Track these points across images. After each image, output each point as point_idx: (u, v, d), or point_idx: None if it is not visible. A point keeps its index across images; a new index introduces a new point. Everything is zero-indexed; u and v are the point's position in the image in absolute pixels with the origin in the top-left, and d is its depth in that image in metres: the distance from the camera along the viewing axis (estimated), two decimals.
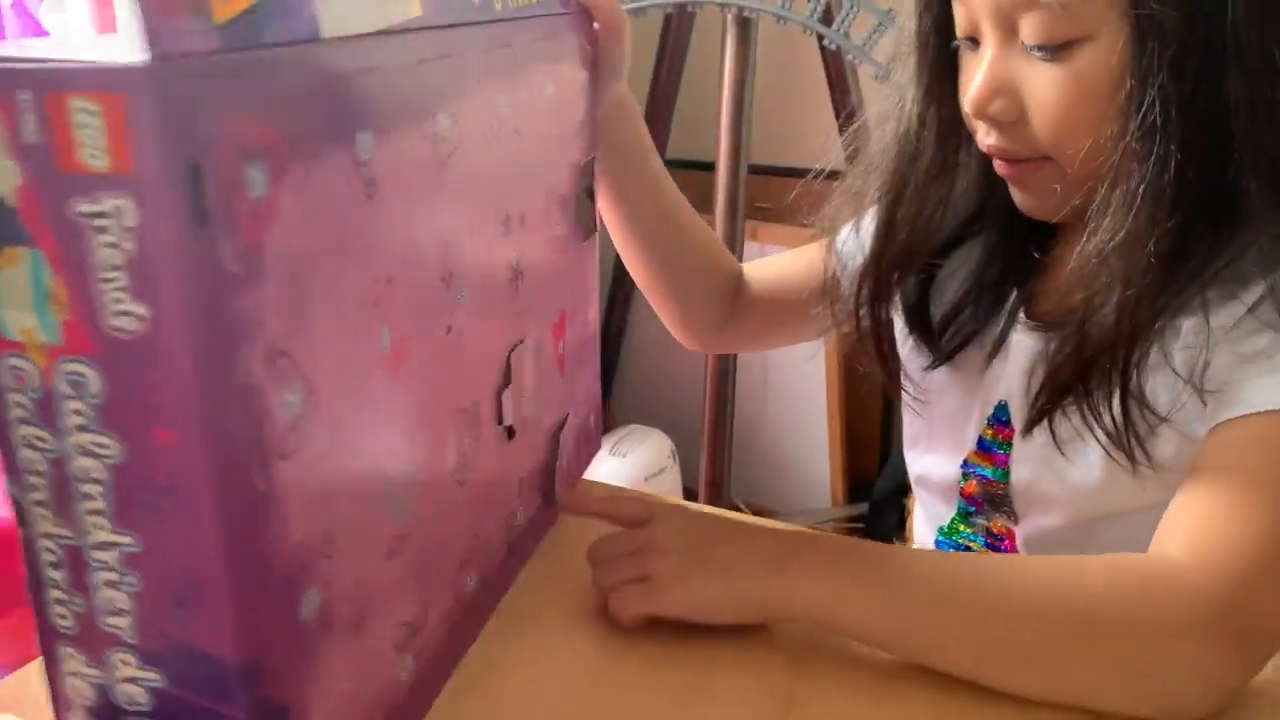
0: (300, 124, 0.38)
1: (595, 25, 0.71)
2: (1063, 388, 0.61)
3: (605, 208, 0.78)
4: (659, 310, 0.86)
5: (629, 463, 1.65)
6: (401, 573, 0.49)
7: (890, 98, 0.70)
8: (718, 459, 1.52)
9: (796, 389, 1.84)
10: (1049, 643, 0.51)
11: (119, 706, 0.39)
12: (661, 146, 1.72)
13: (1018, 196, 0.65)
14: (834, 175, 0.75)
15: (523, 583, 0.65)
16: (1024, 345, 0.68)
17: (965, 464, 0.72)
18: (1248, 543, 0.51)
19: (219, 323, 0.35)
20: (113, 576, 0.37)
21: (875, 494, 1.73)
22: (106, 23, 0.34)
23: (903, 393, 0.75)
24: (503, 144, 0.57)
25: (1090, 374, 0.59)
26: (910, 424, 0.78)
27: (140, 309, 0.33)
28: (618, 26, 0.71)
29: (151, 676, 0.38)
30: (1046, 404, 0.62)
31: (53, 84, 0.31)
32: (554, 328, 0.67)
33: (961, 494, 0.73)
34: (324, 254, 0.40)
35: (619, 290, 1.90)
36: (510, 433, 0.61)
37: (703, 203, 1.42)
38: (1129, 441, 0.58)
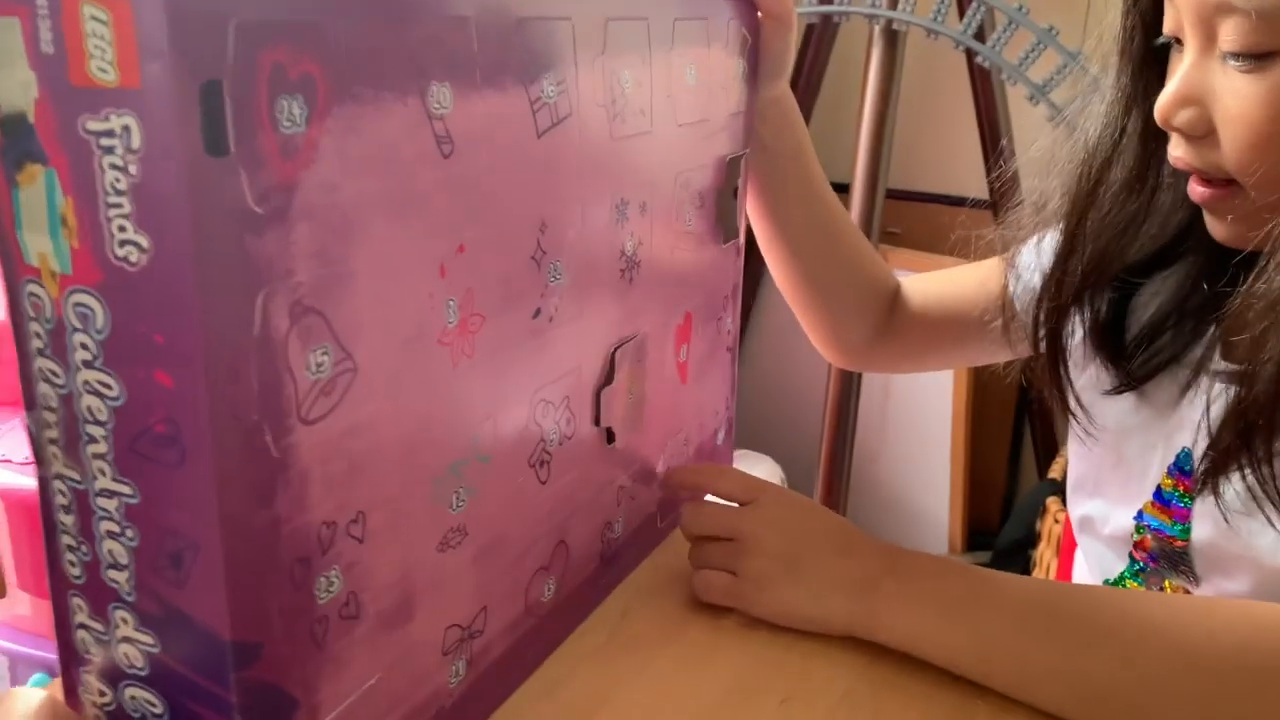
0: (352, 62, 0.35)
1: (759, 16, 0.66)
2: (1232, 444, 0.53)
3: (754, 211, 0.73)
4: (806, 323, 0.80)
5: None
6: (456, 569, 0.45)
7: (1084, 100, 0.64)
8: (833, 493, 1.44)
9: (919, 424, 1.72)
10: (1164, 690, 0.48)
11: (119, 667, 0.37)
12: None
13: (1210, 222, 0.58)
14: (981, 204, 0.69)
15: (618, 600, 0.60)
16: (1214, 388, 0.58)
17: (1140, 515, 0.64)
18: None
19: (231, 264, 0.32)
20: (114, 527, 0.35)
21: (999, 543, 1.61)
22: None
23: (1071, 427, 0.67)
24: (624, 123, 0.52)
25: (1255, 430, 0.51)
26: (1077, 464, 0.69)
27: (143, 239, 0.31)
28: (784, 20, 0.66)
29: (147, 640, 0.36)
30: (1217, 460, 0.54)
31: None
32: (677, 330, 0.62)
33: (1135, 548, 0.64)
34: (376, 208, 0.37)
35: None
36: (610, 435, 0.56)
37: None
38: None
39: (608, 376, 0.55)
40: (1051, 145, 0.67)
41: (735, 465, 1.75)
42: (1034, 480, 1.74)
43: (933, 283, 0.80)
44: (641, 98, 0.54)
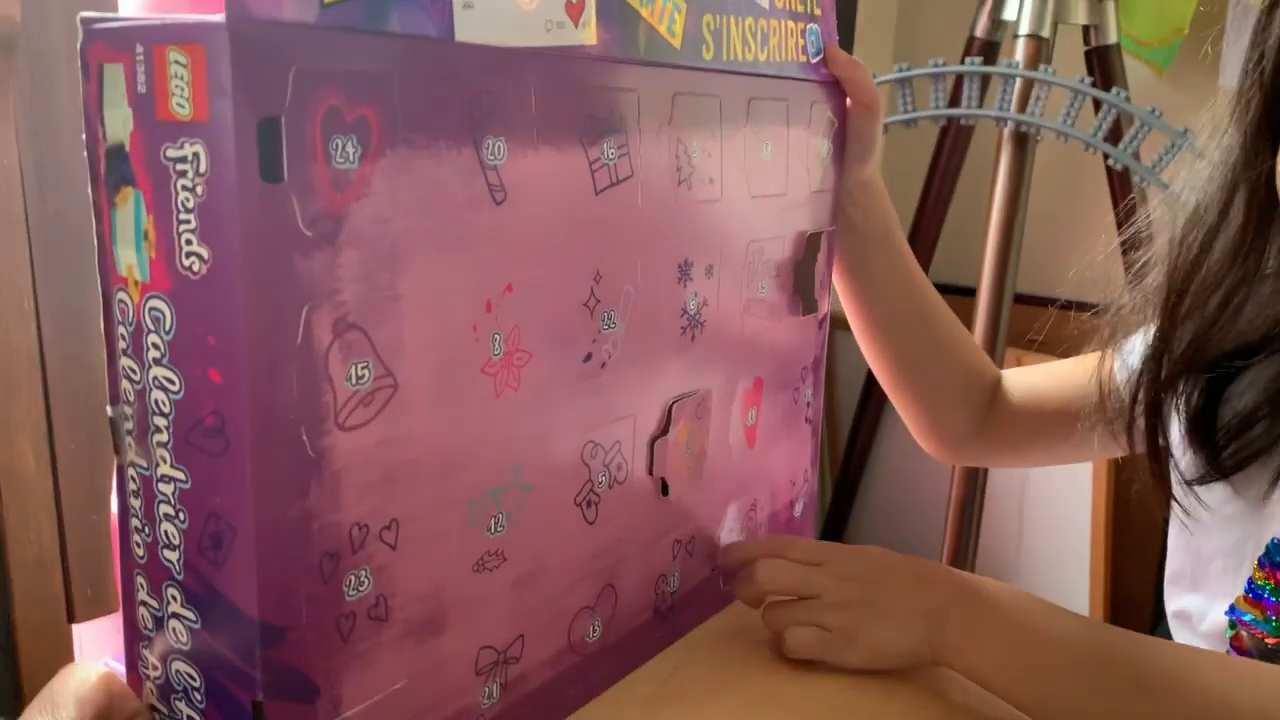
0: (408, 111, 0.40)
1: (848, 101, 0.69)
2: None
3: (843, 292, 0.74)
4: (903, 412, 0.80)
5: None
6: (492, 592, 0.48)
7: (1189, 170, 0.62)
8: None
9: (1056, 529, 1.63)
10: None
11: (168, 642, 0.41)
12: (925, 267, 1.61)
13: None
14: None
15: (672, 655, 0.61)
16: None
17: (1232, 609, 0.61)
18: None
19: (280, 278, 0.36)
20: (170, 510, 0.39)
21: None
22: None
23: (1172, 521, 0.65)
24: (691, 189, 0.56)
25: None
26: (1174, 557, 0.67)
27: (204, 251, 0.36)
28: (871, 105, 0.69)
29: (190, 616, 0.40)
30: None
31: (159, 38, 0.35)
32: (745, 393, 0.64)
33: (1231, 646, 0.61)
34: (425, 243, 0.41)
35: (866, 408, 1.80)
36: (665, 487, 0.58)
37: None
38: None
39: (663, 428, 0.57)
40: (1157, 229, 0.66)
41: None
42: None
43: (1036, 375, 0.79)
44: (710, 167, 0.57)
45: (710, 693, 0.57)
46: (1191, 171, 0.61)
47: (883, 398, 1.76)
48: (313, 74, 0.36)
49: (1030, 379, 0.79)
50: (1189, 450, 0.63)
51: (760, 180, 0.61)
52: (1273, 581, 0.58)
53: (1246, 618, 0.60)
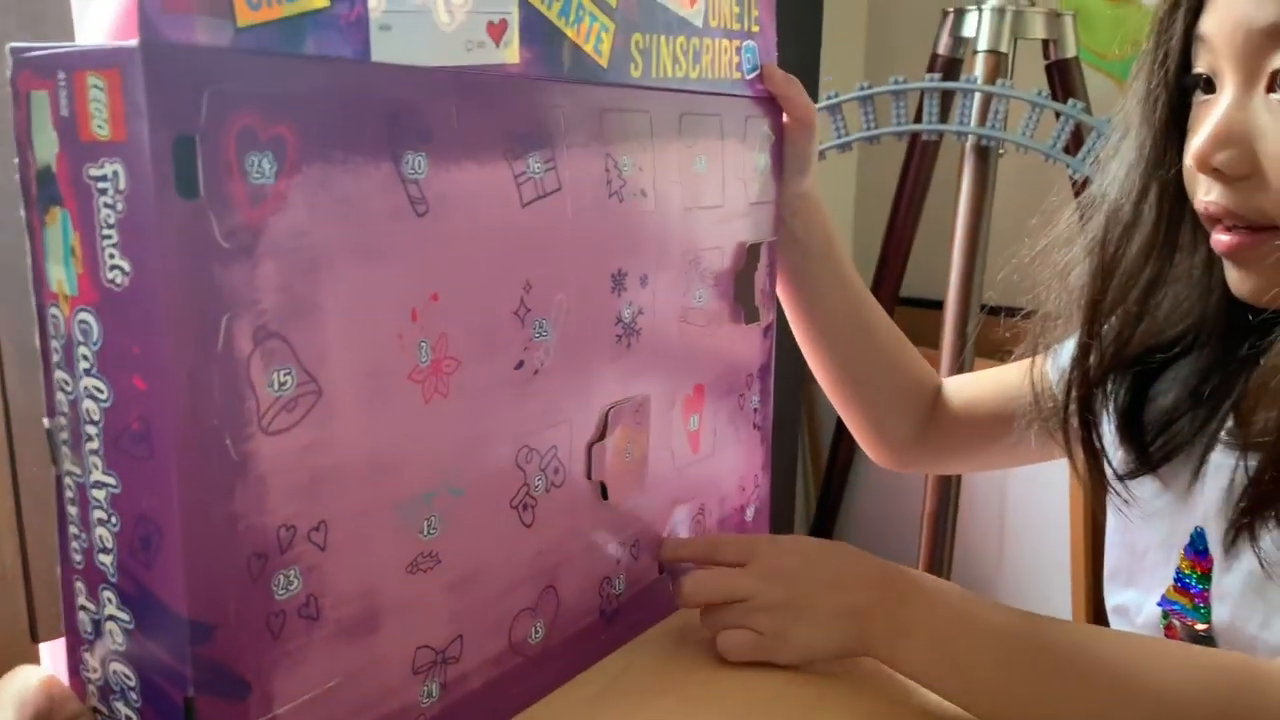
0: (323, 129, 0.42)
1: (784, 117, 0.71)
2: (1260, 504, 0.52)
3: (787, 303, 0.76)
4: (847, 421, 0.82)
5: None
6: (427, 593, 0.49)
7: (1105, 176, 0.63)
8: None
9: (1037, 537, 1.64)
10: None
11: (106, 644, 0.42)
12: (897, 282, 1.63)
13: (1234, 277, 0.56)
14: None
15: (621, 657, 0.63)
16: (1222, 465, 0.58)
17: (1164, 600, 0.63)
18: None
19: (199, 288, 0.38)
20: (103, 515, 0.41)
21: None
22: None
23: (1107, 518, 0.66)
24: (624, 203, 0.58)
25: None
26: (1110, 553, 0.69)
27: (126, 264, 0.38)
28: (806, 121, 0.71)
29: (124, 617, 0.41)
30: (1244, 519, 0.53)
31: (79, 64, 0.37)
32: (685, 399, 0.66)
33: (1165, 635, 0.63)
34: (345, 254, 0.43)
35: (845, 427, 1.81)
36: (604, 491, 0.60)
37: (935, 341, 1.33)
38: None
39: (600, 433, 0.59)
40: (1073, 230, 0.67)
41: None
42: None
43: (975, 381, 0.81)
44: (643, 180, 0.59)
45: (657, 691, 0.59)
46: (1107, 172, 0.62)
47: None
48: (227, 95, 0.38)
49: (969, 385, 0.80)
50: (1120, 446, 0.64)
51: (695, 192, 0.63)
52: (1198, 569, 0.60)
53: (1177, 607, 0.62)
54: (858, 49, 1.79)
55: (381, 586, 0.47)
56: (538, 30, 0.51)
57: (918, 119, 1.30)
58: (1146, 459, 0.62)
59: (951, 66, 1.36)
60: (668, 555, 0.65)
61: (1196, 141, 0.54)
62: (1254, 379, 0.59)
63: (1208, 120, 0.53)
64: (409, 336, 0.46)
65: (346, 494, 0.45)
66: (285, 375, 0.41)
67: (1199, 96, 0.56)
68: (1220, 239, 0.55)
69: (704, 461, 0.69)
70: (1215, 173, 0.53)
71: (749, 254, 0.69)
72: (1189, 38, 0.56)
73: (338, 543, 0.45)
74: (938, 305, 1.36)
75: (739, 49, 0.66)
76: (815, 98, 1.25)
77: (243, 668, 0.42)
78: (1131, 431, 0.63)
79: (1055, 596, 1.64)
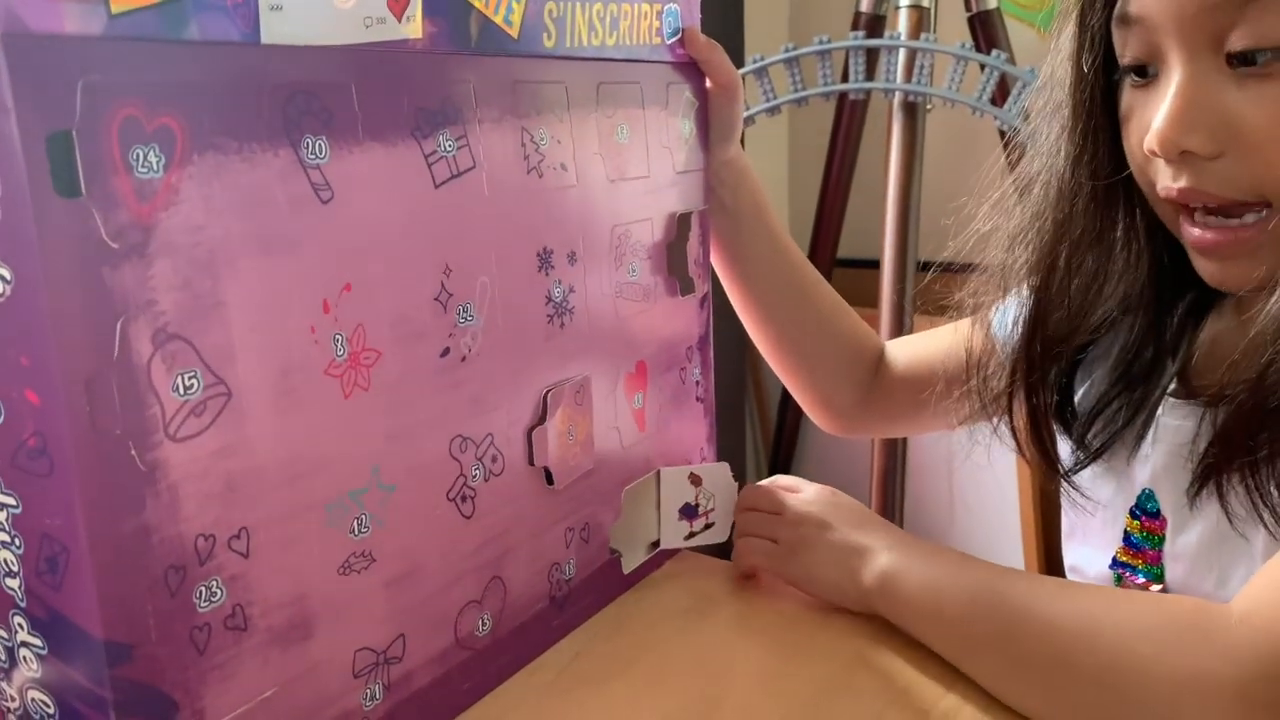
0: (213, 117, 0.39)
1: (708, 83, 0.70)
2: (1228, 455, 0.51)
3: (722, 272, 0.75)
4: (791, 388, 0.81)
5: None
6: (362, 594, 0.48)
7: (1038, 157, 0.62)
8: None
9: (985, 503, 1.65)
10: (1064, 675, 0.50)
11: (21, 671, 0.40)
12: (833, 244, 1.62)
13: (1210, 269, 0.54)
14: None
15: (573, 643, 0.61)
16: (1173, 425, 0.58)
17: (1114, 561, 0.62)
18: None
19: (88, 293, 0.36)
20: (6, 537, 0.39)
21: None
22: None
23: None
24: (543, 178, 0.56)
25: (1259, 440, 0.49)
26: (1065, 515, 0.68)
27: (6, 271, 0.35)
28: (730, 87, 0.69)
29: (37, 642, 0.39)
30: (1209, 473, 0.52)
31: None
32: (628, 377, 0.65)
33: None
34: (247, 247, 0.41)
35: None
36: (549, 476, 0.58)
37: (874, 301, 1.33)
38: None
39: (540, 417, 0.57)
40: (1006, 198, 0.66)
41: None
42: None
43: (916, 343, 0.80)
44: (562, 153, 0.57)
45: (611, 675, 0.58)
46: (1035, 161, 0.61)
47: None
48: (104, 85, 0.36)
49: (911, 347, 0.80)
50: (1059, 439, 0.64)
51: (619, 164, 0.62)
52: (1149, 530, 0.59)
53: (1128, 568, 0.61)
54: (780, 10, 1.77)
55: (312, 590, 0.45)
56: (443, 2, 0.49)
57: (844, 78, 1.29)
58: (1086, 449, 0.62)
59: (875, 24, 1.35)
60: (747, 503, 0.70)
61: (1157, 125, 0.50)
62: (1203, 339, 0.59)
63: (1162, 103, 0.50)
64: (322, 330, 0.44)
65: (267, 497, 0.43)
66: (190, 378, 0.39)
67: (1131, 81, 0.54)
68: (1201, 235, 0.53)
69: (650, 439, 0.68)
70: (1184, 155, 0.51)
71: (679, 224, 0.68)
72: (1110, 23, 0.54)
73: (262, 548, 0.43)
74: (875, 265, 1.36)
75: (660, 13, 0.65)
76: (740, 63, 1.24)
77: (168, 686, 0.40)
78: (1066, 424, 0.63)
79: (1007, 555, 1.66)
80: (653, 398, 0.68)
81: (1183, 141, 0.50)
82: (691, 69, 0.68)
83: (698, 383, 0.73)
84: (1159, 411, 0.59)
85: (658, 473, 0.69)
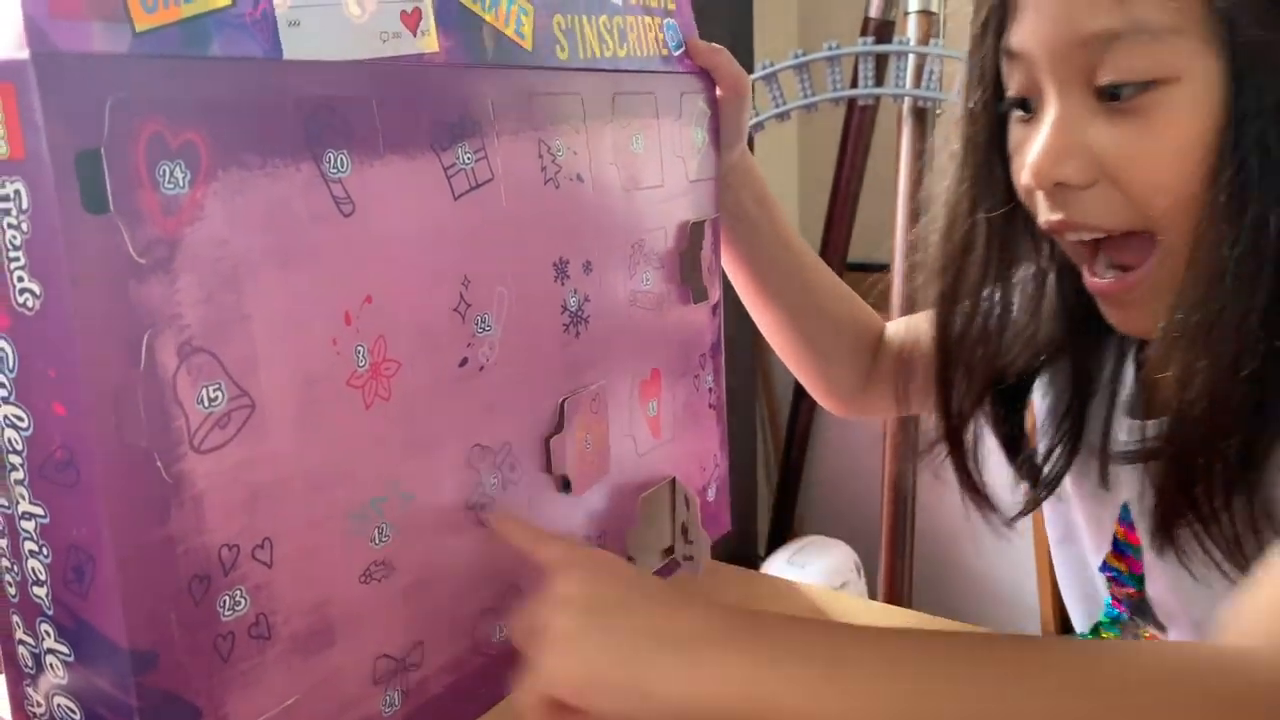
0: (236, 133, 0.40)
1: (718, 91, 0.70)
2: (1172, 493, 0.51)
3: (731, 270, 0.76)
4: (796, 371, 0.81)
5: (807, 574, 1.54)
6: (382, 602, 0.48)
7: (935, 183, 0.62)
8: (896, 571, 1.41)
9: (1000, 505, 1.65)
10: None
11: (48, 677, 0.41)
12: (843, 248, 1.63)
13: (1116, 317, 0.55)
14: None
15: None
16: (1134, 445, 0.58)
17: (1105, 565, 0.63)
18: None
19: (115, 307, 0.37)
20: (34, 546, 0.39)
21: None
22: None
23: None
24: (560, 188, 0.56)
25: (1197, 494, 0.49)
26: (1050, 517, 0.69)
27: (36, 287, 0.36)
28: (739, 91, 0.70)
29: (64, 650, 0.40)
30: (1165, 513, 0.52)
31: None
32: (643, 385, 0.65)
33: (1113, 598, 0.63)
34: (270, 261, 0.42)
35: (802, 396, 1.82)
36: (566, 484, 0.59)
37: (884, 305, 1.33)
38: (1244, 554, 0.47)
39: (557, 425, 0.58)
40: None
41: (807, 551, 1.71)
42: None
43: (914, 321, 0.80)
44: (579, 164, 0.58)
45: None
46: (936, 195, 0.61)
47: None
48: (131, 103, 0.36)
49: (908, 326, 0.80)
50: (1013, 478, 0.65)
51: (634, 174, 0.62)
52: (1132, 540, 0.60)
53: (1115, 573, 0.62)
54: (790, 16, 1.78)
55: (334, 598, 0.46)
56: (454, 16, 0.50)
57: (854, 84, 1.29)
58: (1041, 485, 0.62)
59: (884, 29, 1.35)
60: (495, 525, 0.53)
61: (1031, 159, 0.51)
62: (1150, 352, 0.58)
63: (1038, 136, 0.51)
64: (344, 341, 0.45)
65: (290, 507, 0.43)
66: (215, 390, 0.40)
67: (1017, 116, 0.54)
68: (1099, 282, 0.53)
69: (665, 446, 0.68)
70: (1058, 187, 0.51)
71: (692, 232, 0.68)
72: (999, 55, 0.54)
73: (285, 558, 0.43)
74: (885, 269, 1.36)
75: (661, 26, 0.65)
76: (750, 67, 1.24)
77: (191, 694, 0.41)
78: (1016, 453, 0.64)
79: (1020, 557, 1.66)
80: (667, 405, 0.68)
81: (1055, 173, 0.51)
82: (703, 78, 0.69)
83: (710, 390, 0.73)
84: (1116, 434, 0.59)
85: (672, 481, 0.69)
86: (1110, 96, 0.49)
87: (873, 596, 1.65)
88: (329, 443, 0.45)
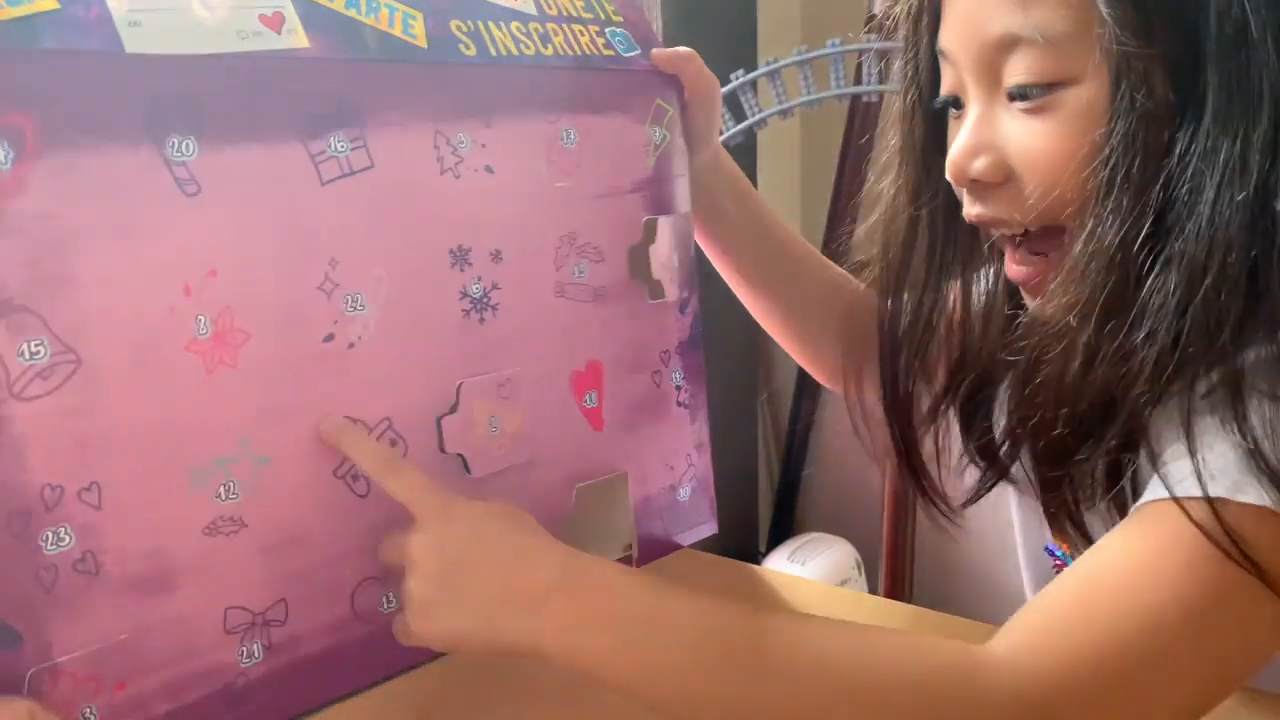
0: (70, 117, 0.45)
1: (686, 93, 0.71)
2: (1056, 502, 0.53)
3: (717, 262, 0.75)
4: (793, 354, 0.80)
5: (807, 571, 1.48)
6: (233, 556, 0.52)
7: (881, 178, 0.63)
8: (896, 568, 1.37)
9: (1002, 503, 1.50)
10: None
11: None
12: (846, 244, 1.55)
13: (1033, 304, 0.55)
14: None
15: None
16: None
17: (1049, 547, 0.64)
18: (1084, 645, 0.41)
19: None
20: None
21: None
22: None
23: None
24: (461, 179, 0.59)
25: (1060, 480, 0.51)
26: (1016, 508, 0.68)
27: None
28: (706, 94, 0.71)
29: None
30: (1045, 501, 0.53)
31: None
32: (576, 375, 0.66)
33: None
34: (100, 233, 0.46)
35: (803, 393, 1.74)
36: (465, 463, 0.61)
37: None
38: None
39: (452, 406, 0.60)
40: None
41: (807, 549, 1.66)
42: None
43: None
44: (486, 156, 0.60)
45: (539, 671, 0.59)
46: (881, 190, 0.62)
47: (819, 391, 1.73)
48: None
49: None
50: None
51: (565, 168, 0.64)
52: None
53: (1058, 553, 0.62)
54: (793, 13, 1.73)
55: (174, 546, 0.50)
56: (325, 20, 0.53)
57: (857, 81, 1.26)
58: (997, 469, 0.61)
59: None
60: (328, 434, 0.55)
61: (951, 155, 0.53)
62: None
63: (960, 134, 0.53)
64: (182, 310, 0.49)
65: (121, 456, 0.48)
66: (37, 345, 0.45)
67: (951, 114, 0.55)
68: (1016, 269, 0.54)
69: (610, 439, 0.69)
70: (974, 183, 0.53)
71: (644, 229, 0.69)
72: (934, 53, 0.55)
73: (117, 502, 0.48)
74: None
75: (599, 33, 0.67)
76: (753, 64, 1.24)
77: (11, 618, 0.45)
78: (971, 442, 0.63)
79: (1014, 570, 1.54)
80: (614, 398, 0.68)
81: (970, 170, 0.52)
82: (663, 79, 0.69)
83: (680, 388, 0.73)
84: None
85: (624, 476, 0.70)
86: (1020, 97, 0.50)
87: (873, 593, 1.57)
88: (164, 401, 0.49)
